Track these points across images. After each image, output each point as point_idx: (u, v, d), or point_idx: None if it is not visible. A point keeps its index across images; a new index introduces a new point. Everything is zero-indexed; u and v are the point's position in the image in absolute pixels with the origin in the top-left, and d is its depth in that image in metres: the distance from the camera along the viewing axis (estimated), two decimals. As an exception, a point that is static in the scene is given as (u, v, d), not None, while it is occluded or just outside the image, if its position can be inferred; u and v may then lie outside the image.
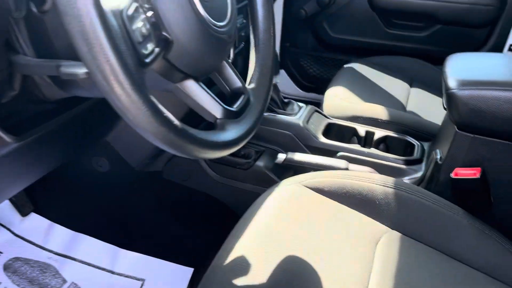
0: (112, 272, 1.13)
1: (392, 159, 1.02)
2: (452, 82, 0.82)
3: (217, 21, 0.55)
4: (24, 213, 1.23)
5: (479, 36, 1.65)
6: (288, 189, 0.84)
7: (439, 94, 1.41)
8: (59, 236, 1.19)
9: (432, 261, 0.75)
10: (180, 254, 1.16)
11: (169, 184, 1.14)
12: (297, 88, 1.96)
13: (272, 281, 0.65)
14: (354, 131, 1.13)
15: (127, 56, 0.42)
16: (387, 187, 0.85)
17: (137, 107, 0.42)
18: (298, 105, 1.15)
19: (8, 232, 1.20)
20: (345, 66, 1.51)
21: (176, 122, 0.46)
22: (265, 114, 1.08)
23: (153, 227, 1.19)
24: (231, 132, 0.57)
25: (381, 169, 1.01)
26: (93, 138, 0.95)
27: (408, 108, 1.31)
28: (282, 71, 1.96)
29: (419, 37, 1.71)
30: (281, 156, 1.00)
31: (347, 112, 1.20)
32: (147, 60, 0.46)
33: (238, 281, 0.64)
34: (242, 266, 0.66)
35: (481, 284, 0.73)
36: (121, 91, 0.41)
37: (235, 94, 0.65)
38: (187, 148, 0.48)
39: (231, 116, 0.59)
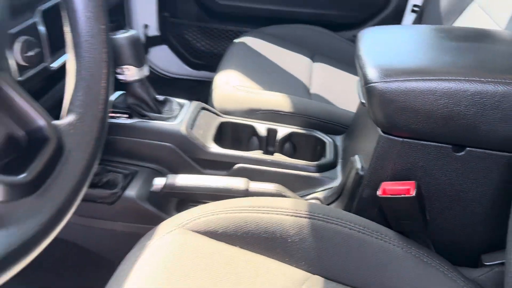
0: None
1: (301, 167, 0.81)
2: (372, 73, 0.61)
3: None
4: None
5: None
6: (167, 239, 0.60)
7: (344, 67, 1.24)
8: None
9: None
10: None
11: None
12: (185, 66, 1.68)
13: None
14: (253, 131, 0.90)
15: None
16: (300, 216, 0.64)
17: None
18: (179, 103, 0.87)
19: None
20: (236, 41, 1.26)
21: None
22: (133, 120, 0.80)
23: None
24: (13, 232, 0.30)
25: (290, 180, 0.80)
26: None
27: (313, 90, 1.11)
28: (165, 47, 1.65)
29: (316, 0, 1.50)
30: (158, 183, 0.73)
31: (242, 104, 0.96)
32: None
33: None
34: None
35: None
36: None
37: (35, 140, 0.36)
38: None
39: (23, 192, 0.32)
